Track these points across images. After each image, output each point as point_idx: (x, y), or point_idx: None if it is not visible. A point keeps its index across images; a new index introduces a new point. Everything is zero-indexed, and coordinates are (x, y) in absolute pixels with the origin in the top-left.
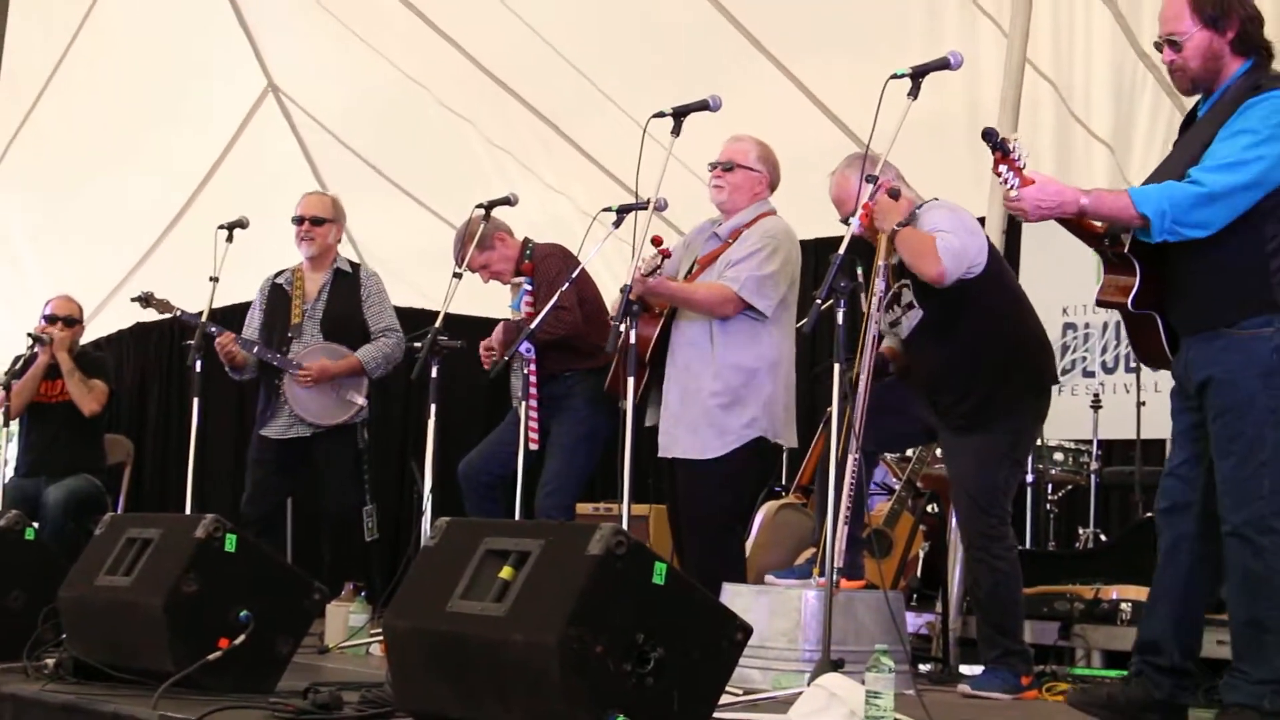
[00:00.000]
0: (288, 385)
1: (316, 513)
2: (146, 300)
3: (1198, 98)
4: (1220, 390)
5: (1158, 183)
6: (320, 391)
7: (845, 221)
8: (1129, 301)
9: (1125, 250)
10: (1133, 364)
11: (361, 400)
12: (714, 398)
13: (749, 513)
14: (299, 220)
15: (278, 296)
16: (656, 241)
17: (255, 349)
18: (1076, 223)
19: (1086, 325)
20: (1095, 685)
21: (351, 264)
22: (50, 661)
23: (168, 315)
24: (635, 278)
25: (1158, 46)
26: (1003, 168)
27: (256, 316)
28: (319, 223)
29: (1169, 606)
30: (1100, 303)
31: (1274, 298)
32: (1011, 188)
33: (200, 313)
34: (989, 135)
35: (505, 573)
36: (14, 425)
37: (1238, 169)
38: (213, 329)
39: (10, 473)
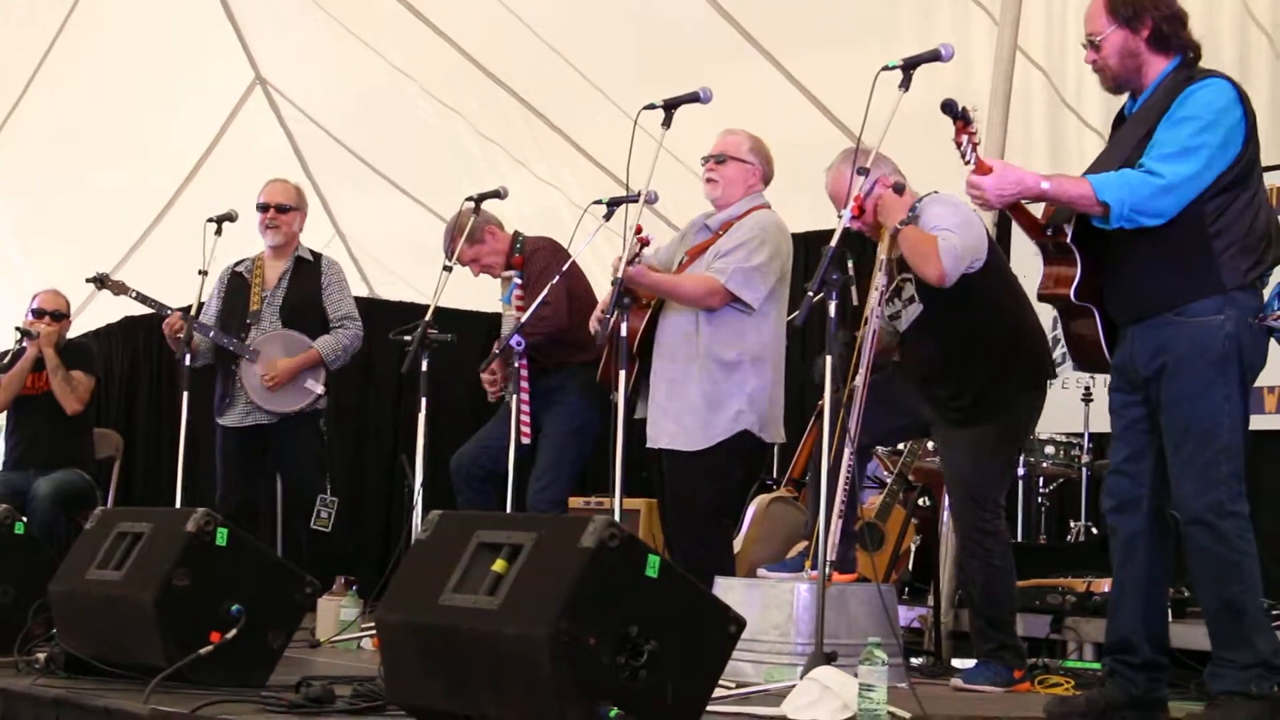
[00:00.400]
0: (244, 372)
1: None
2: (101, 281)
3: (1125, 98)
4: (1173, 379)
5: (1102, 168)
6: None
7: (839, 215)
8: (1071, 292)
9: (1068, 240)
10: None
11: (320, 389)
12: (699, 390)
13: (737, 506)
14: (264, 208)
15: (237, 284)
16: (637, 230)
17: (211, 333)
18: (1020, 211)
19: None
20: (1069, 697)
21: (313, 253)
22: (41, 656)
23: (121, 296)
24: (614, 264)
25: (1083, 47)
26: (963, 138)
27: (214, 304)
28: (284, 210)
29: (1133, 603)
30: (1042, 297)
31: (1222, 280)
32: (968, 161)
33: (182, 304)
34: (949, 106)
35: (498, 566)
36: (1, 419)
37: (1188, 157)
38: (168, 310)
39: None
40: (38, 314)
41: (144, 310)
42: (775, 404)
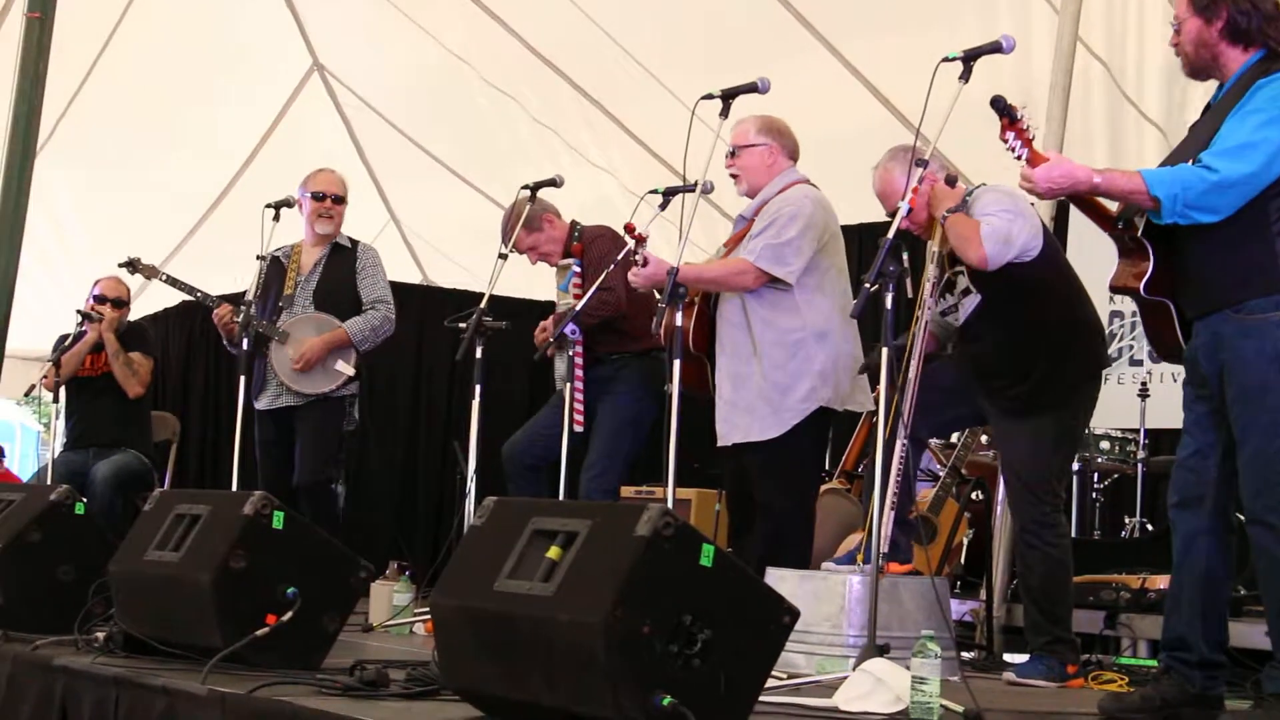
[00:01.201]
0: (274, 353)
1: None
2: (133, 265)
3: (1214, 88)
4: (1234, 377)
5: (1175, 161)
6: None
7: (892, 215)
8: (1141, 287)
9: (1139, 234)
10: None
11: (349, 370)
12: (763, 377)
13: (816, 487)
14: (321, 197)
15: (275, 270)
16: (629, 229)
17: (256, 322)
18: (1092, 206)
19: (1134, 313)
20: (1124, 693)
21: (351, 240)
22: (100, 635)
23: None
24: (630, 272)
25: (1170, 25)
26: (1010, 134)
27: (252, 290)
28: (340, 201)
29: (1191, 601)
30: (1114, 289)
31: None
32: (1020, 156)
33: (226, 292)
34: (997, 102)
35: (552, 553)
36: (62, 400)
37: (1246, 154)
38: (198, 293)
39: (59, 447)
40: (99, 300)
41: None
42: (851, 372)
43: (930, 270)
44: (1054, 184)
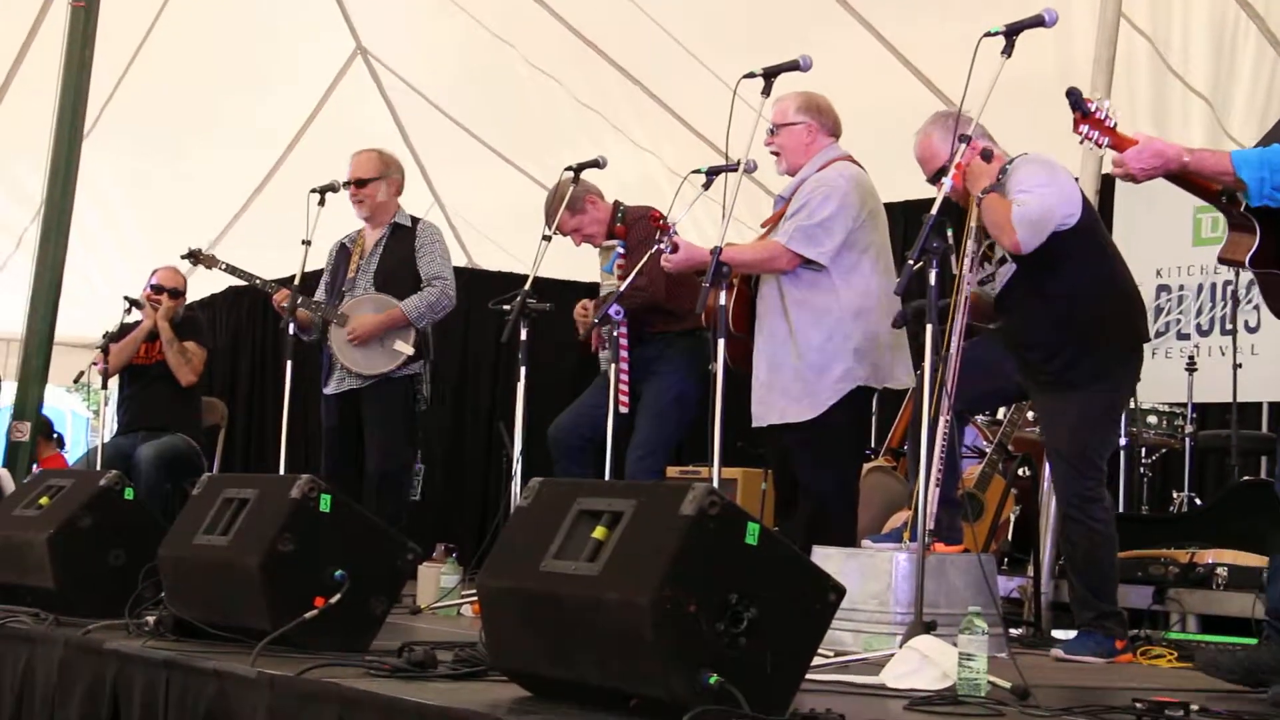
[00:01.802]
0: (334, 337)
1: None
2: (195, 256)
3: None
4: None
5: (1275, 139)
6: (365, 342)
7: (931, 181)
8: (1247, 260)
9: (1243, 209)
10: (1228, 326)
11: (409, 349)
12: (800, 358)
13: (858, 467)
14: (348, 184)
15: (342, 256)
16: (655, 217)
17: (309, 304)
18: (1194, 182)
19: (1181, 287)
20: (1224, 651)
21: (413, 218)
22: (151, 619)
23: (215, 269)
24: (662, 259)
25: None
26: (1084, 127)
27: (325, 277)
28: (363, 184)
29: None
30: (1222, 260)
31: None
32: (1101, 145)
33: (283, 275)
34: (1071, 94)
35: (598, 533)
36: (113, 387)
37: None
38: (257, 281)
39: (108, 435)
40: (156, 290)
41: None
42: (893, 349)
43: (969, 245)
44: (1146, 165)
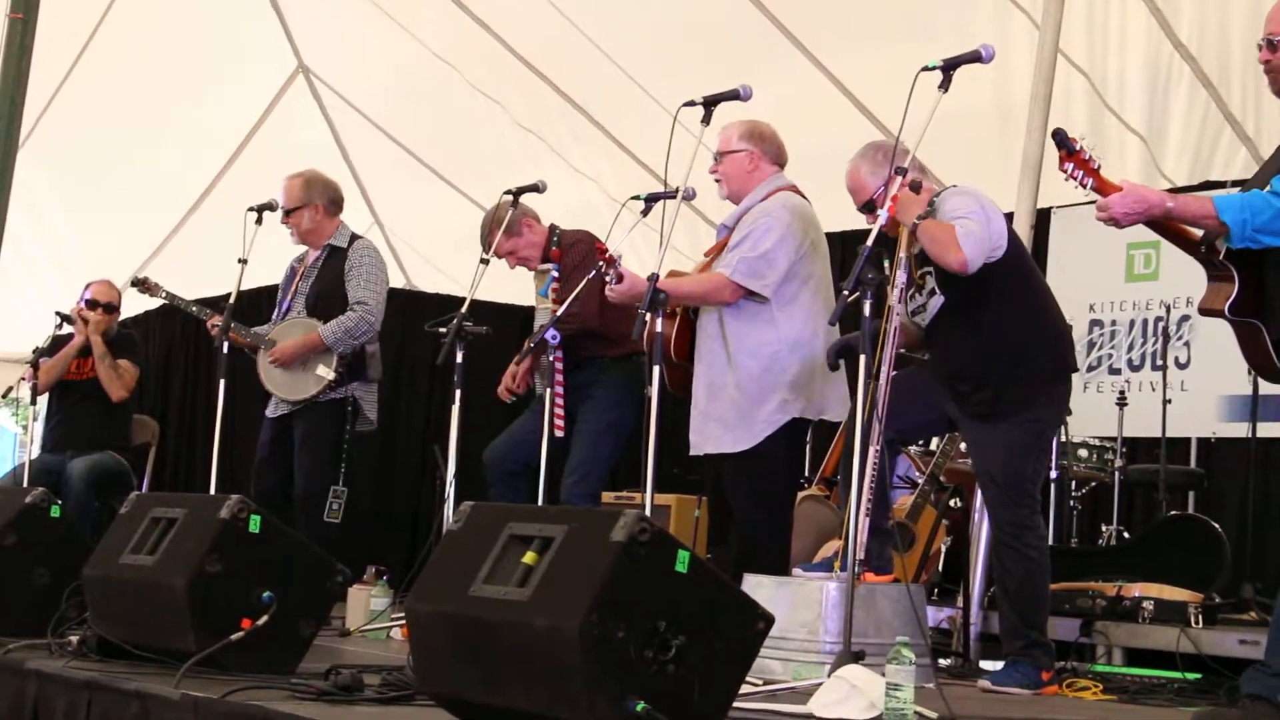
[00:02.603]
0: (260, 362)
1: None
2: (142, 284)
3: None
4: None
5: (1255, 184)
6: (287, 367)
7: (861, 211)
8: (1226, 309)
9: (1221, 257)
10: (1159, 362)
11: (330, 374)
12: (737, 389)
13: (793, 496)
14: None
15: (288, 278)
16: (600, 249)
17: (242, 331)
18: (1173, 230)
19: (1113, 322)
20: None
21: (352, 237)
22: (74, 639)
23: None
24: (606, 290)
25: (1258, 46)
26: (1069, 165)
27: (235, 294)
28: (288, 213)
29: None
30: (1202, 311)
31: None
32: (1086, 186)
33: (221, 293)
34: (1057, 134)
35: (529, 558)
36: (41, 403)
37: None
38: (204, 313)
39: (37, 450)
40: (90, 304)
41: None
42: (830, 381)
43: (898, 275)
44: (1129, 210)
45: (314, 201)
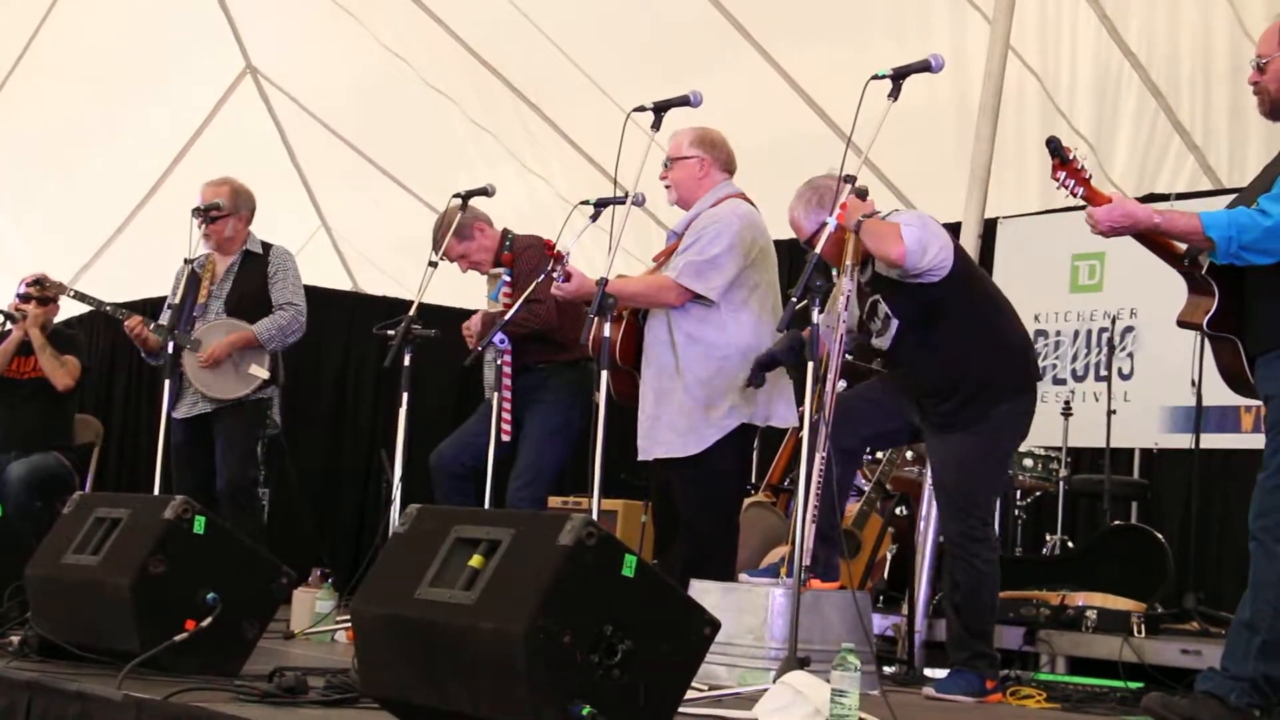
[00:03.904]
0: (187, 362)
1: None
2: (41, 284)
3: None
4: (1271, 407)
5: (1243, 201)
6: (219, 366)
7: (804, 246)
8: (1205, 323)
9: (1204, 272)
10: (1103, 372)
11: (264, 373)
12: (686, 393)
13: (739, 502)
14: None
15: (191, 280)
16: (548, 246)
17: (152, 327)
18: (1158, 243)
19: (1058, 333)
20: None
21: (264, 244)
22: (15, 639)
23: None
24: (553, 287)
25: (1250, 65)
26: (1061, 173)
27: (175, 295)
28: (213, 218)
29: None
30: (1180, 323)
31: None
32: (1076, 194)
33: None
34: (1050, 143)
35: (475, 561)
36: None
37: None
38: (120, 313)
39: None
40: (24, 299)
41: (120, 298)
42: (778, 388)
43: (843, 282)
44: (1115, 223)
45: (240, 211)
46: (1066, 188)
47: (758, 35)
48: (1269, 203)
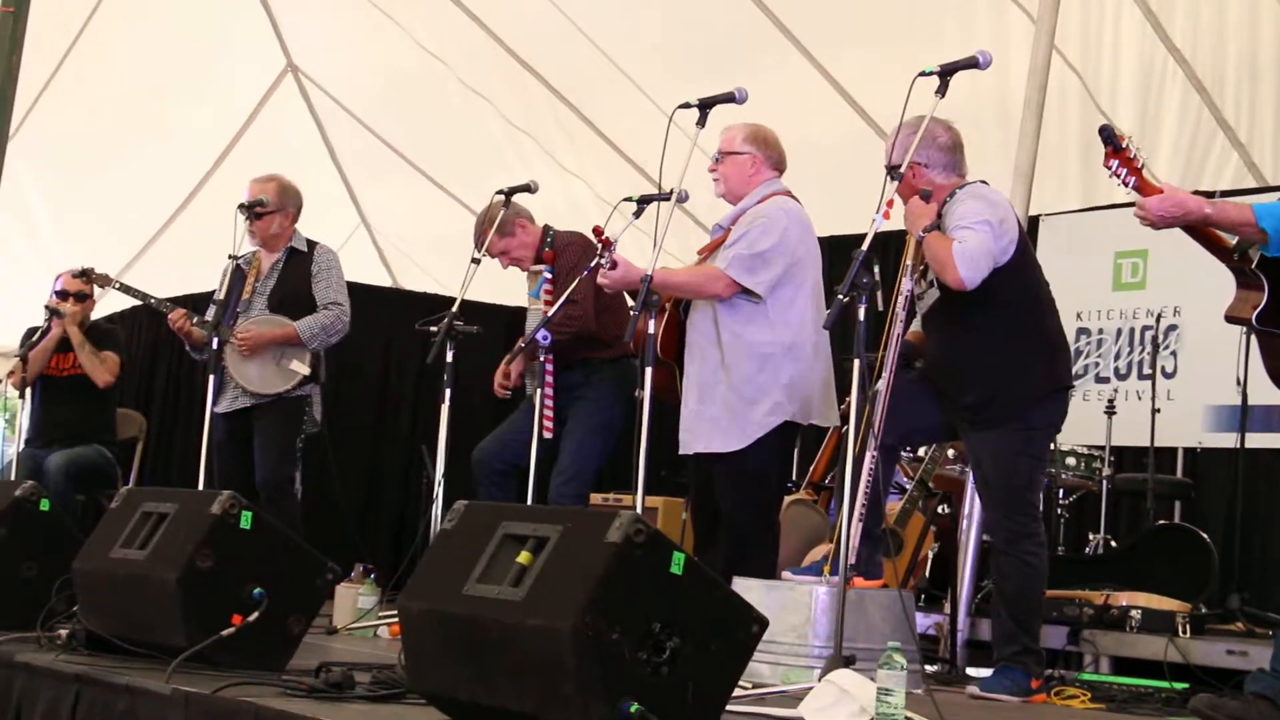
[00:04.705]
0: (229, 356)
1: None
2: (87, 275)
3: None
4: None
5: None
6: (260, 361)
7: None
8: (1254, 317)
9: (1254, 266)
10: (1147, 370)
11: (304, 369)
12: (730, 389)
13: (780, 500)
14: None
15: (236, 276)
16: (597, 232)
17: (196, 321)
18: (1208, 236)
19: (1100, 330)
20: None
21: (310, 242)
22: (63, 632)
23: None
24: (599, 275)
25: None
26: (1113, 162)
27: (221, 290)
28: (260, 214)
29: None
30: (1229, 318)
31: None
32: (1127, 184)
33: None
34: (1104, 131)
35: (523, 557)
36: (29, 395)
37: None
38: (164, 306)
39: (23, 444)
40: (61, 295)
41: (164, 294)
42: (823, 386)
43: (903, 283)
44: (1166, 214)
45: (286, 207)
46: (1119, 176)
47: (799, 35)
48: None
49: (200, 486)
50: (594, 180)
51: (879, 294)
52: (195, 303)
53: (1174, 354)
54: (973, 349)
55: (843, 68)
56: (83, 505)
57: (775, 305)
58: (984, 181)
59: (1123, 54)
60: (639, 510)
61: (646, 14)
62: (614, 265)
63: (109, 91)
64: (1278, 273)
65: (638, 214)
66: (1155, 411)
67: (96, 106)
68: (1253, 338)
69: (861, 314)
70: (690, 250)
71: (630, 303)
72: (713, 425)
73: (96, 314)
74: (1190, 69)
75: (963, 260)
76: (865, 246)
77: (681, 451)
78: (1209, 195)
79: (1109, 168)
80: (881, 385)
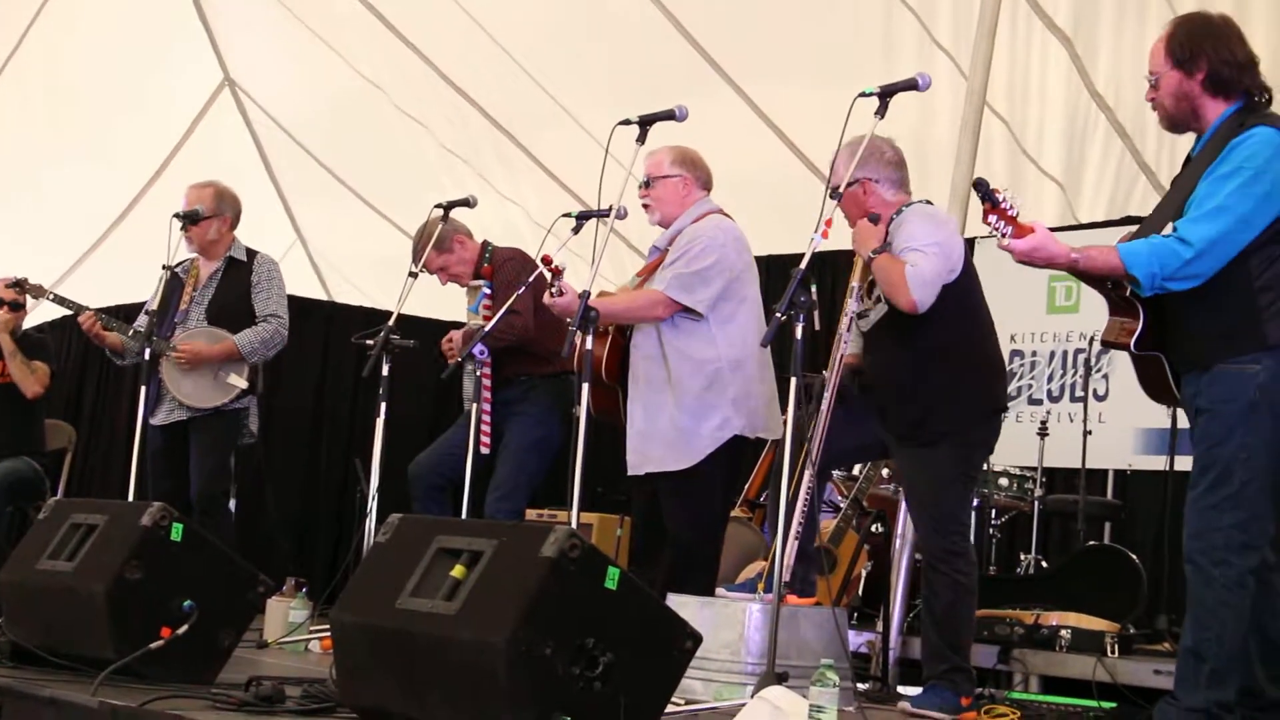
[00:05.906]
0: (165, 368)
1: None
2: (21, 286)
3: (1192, 139)
4: (1204, 421)
5: (1153, 227)
6: (197, 375)
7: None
8: (1132, 344)
9: (1128, 294)
10: (1079, 393)
11: (242, 383)
12: (677, 406)
13: (727, 514)
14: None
15: (173, 284)
16: (546, 260)
17: (130, 332)
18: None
19: (1034, 353)
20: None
21: (249, 251)
22: None
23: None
24: (545, 299)
25: (1146, 80)
26: (993, 218)
27: (154, 301)
28: (195, 221)
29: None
30: (1104, 343)
31: (1263, 334)
32: (1004, 235)
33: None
34: (979, 186)
35: (457, 571)
36: None
37: (1220, 216)
38: (78, 309)
39: None
40: None
41: (99, 305)
42: (768, 400)
43: (849, 304)
44: (1031, 260)
45: (224, 214)
46: (997, 230)
47: (728, 70)
48: (1187, 228)
49: (131, 498)
50: (528, 204)
51: (816, 313)
52: (127, 312)
53: (1105, 377)
54: (913, 367)
55: (772, 104)
56: (10, 517)
57: (717, 321)
58: (928, 201)
59: (1049, 100)
60: (574, 525)
61: (579, 47)
62: (561, 293)
63: (46, 104)
64: (1151, 298)
65: (576, 229)
66: (1087, 433)
67: (32, 118)
68: None
69: (799, 332)
70: (625, 273)
71: (568, 321)
72: (662, 444)
73: (26, 325)
74: (1113, 115)
75: (916, 283)
76: (804, 265)
77: (631, 473)
78: (1137, 222)
79: (988, 223)
80: (823, 407)
